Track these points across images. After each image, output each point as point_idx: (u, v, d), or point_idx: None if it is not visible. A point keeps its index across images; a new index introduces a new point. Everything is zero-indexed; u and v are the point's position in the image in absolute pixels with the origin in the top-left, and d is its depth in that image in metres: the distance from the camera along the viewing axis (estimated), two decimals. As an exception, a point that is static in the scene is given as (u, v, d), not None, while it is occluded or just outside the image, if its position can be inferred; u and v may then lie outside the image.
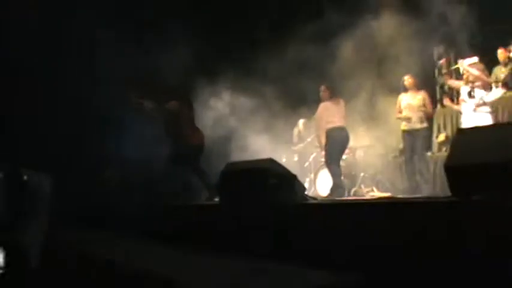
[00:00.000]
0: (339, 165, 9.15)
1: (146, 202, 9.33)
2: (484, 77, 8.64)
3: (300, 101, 11.21)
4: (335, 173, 9.09)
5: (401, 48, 10.19)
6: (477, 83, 8.54)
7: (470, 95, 8.55)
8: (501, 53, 9.54)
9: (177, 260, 5.09)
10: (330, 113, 9.21)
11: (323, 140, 9.26)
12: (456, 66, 9.19)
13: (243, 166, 5.61)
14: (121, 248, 6.03)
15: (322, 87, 9.43)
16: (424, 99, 9.18)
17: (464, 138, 4.01)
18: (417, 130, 9.10)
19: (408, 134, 9.18)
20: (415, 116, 9.14)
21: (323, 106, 9.32)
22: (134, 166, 10.61)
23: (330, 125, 9.16)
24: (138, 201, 9.57)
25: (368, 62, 10.46)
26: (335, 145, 9.18)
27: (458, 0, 9.61)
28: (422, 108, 9.13)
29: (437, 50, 11.52)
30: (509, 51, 9.47)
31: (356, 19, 10.35)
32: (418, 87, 9.31)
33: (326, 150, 9.25)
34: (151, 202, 9.05)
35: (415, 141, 9.10)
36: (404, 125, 9.25)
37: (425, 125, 9.18)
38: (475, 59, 8.86)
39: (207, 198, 8.84)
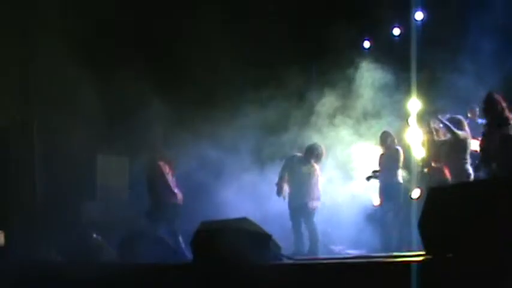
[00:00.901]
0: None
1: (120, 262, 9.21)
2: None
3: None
4: (314, 229, 9.18)
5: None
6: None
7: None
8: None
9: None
10: None
11: None
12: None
13: (217, 225, 5.58)
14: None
15: (322, 147, 9.57)
16: (394, 156, 9.28)
17: (436, 196, 4.05)
18: (384, 186, 9.22)
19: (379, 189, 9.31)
20: (386, 172, 9.24)
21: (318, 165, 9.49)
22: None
23: None
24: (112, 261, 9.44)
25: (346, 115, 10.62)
26: None
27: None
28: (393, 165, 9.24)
29: None
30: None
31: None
32: (390, 143, 9.41)
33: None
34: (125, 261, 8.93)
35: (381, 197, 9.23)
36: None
37: (397, 180, 9.25)
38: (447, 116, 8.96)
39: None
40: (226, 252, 4.94)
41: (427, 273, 3.43)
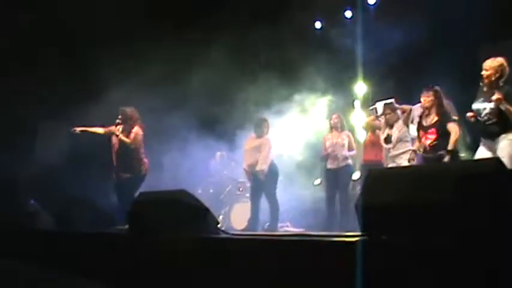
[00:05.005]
0: None
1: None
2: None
3: (217, 132, 11.18)
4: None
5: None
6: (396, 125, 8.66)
7: (386, 140, 8.68)
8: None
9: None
10: None
11: None
12: (373, 106, 9.37)
13: (154, 196, 5.49)
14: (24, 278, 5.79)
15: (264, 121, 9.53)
16: (348, 138, 9.44)
17: (374, 178, 4.05)
18: (341, 168, 9.34)
19: (332, 172, 9.39)
20: (340, 155, 9.37)
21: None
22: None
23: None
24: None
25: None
26: None
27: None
28: (346, 148, 9.38)
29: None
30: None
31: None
32: (343, 127, 9.56)
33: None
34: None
35: (337, 179, 9.34)
36: (328, 163, 9.47)
37: (349, 162, 9.43)
38: (392, 100, 9.05)
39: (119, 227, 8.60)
40: (162, 224, 4.87)
41: (360, 254, 3.43)
